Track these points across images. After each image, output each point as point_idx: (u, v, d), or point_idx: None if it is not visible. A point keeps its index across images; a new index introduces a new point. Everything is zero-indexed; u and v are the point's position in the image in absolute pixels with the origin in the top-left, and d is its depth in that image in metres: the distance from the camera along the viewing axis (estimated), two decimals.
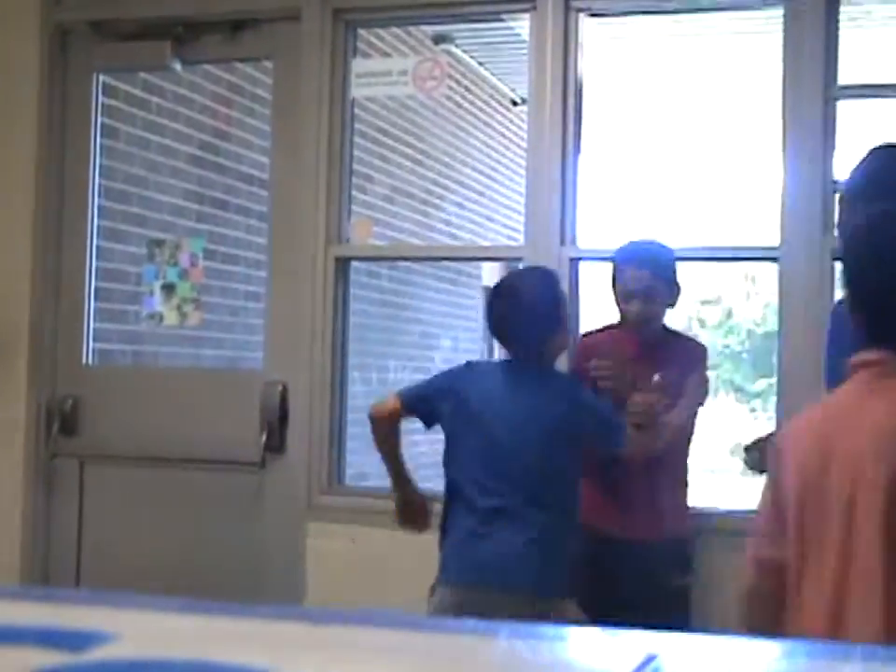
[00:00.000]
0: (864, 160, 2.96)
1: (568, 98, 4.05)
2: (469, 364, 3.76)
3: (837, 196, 2.96)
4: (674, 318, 3.98)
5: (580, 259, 4.08)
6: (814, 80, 3.80)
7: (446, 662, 0.98)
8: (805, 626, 2.24)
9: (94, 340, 4.60)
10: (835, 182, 3.80)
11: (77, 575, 4.39)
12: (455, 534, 3.43)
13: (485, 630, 1.04)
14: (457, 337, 9.32)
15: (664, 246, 3.74)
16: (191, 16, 4.39)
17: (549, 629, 1.13)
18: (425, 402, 3.54)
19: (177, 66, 4.49)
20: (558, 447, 3.38)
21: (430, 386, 3.62)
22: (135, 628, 1.03)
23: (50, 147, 4.52)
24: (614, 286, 3.69)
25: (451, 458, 3.50)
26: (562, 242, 4.02)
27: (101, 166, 4.62)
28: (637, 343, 3.65)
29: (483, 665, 0.97)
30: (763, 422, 21.97)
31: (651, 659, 0.95)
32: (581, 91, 4.11)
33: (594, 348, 3.73)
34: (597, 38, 6.13)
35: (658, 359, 3.55)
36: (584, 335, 3.94)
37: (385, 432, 3.58)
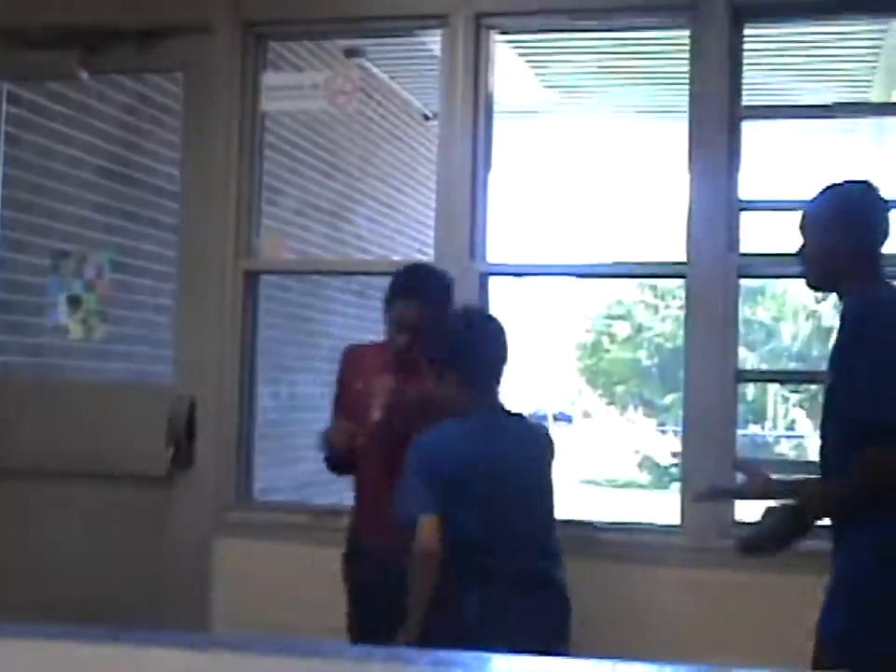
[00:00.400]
0: (826, 193, 3.07)
1: (479, 114, 4.07)
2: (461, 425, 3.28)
3: (799, 224, 3.10)
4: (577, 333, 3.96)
5: (489, 273, 4.10)
6: (720, 100, 3.86)
7: None
8: None
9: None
10: (740, 201, 3.88)
11: None
12: None
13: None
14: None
15: (437, 274, 3.66)
16: (101, 25, 4.33)
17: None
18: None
19: (85, 76, 4.43)
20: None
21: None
22: (7, 657, 1.01)
23: None
24: (387, 310, 3.61)
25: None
26: (472, 256, 4.04)
27: (3, 175, 4.54)
28: (398, 363, 3.58)
29: None
30: (670, 436, 22.25)
31: None
32: (491, 106, 4.13)
33: (358, 360, 3.72)
34: (506, 55, 6.17)
35: (411, 381, 3.50)
36: (352, 347, 3.90)
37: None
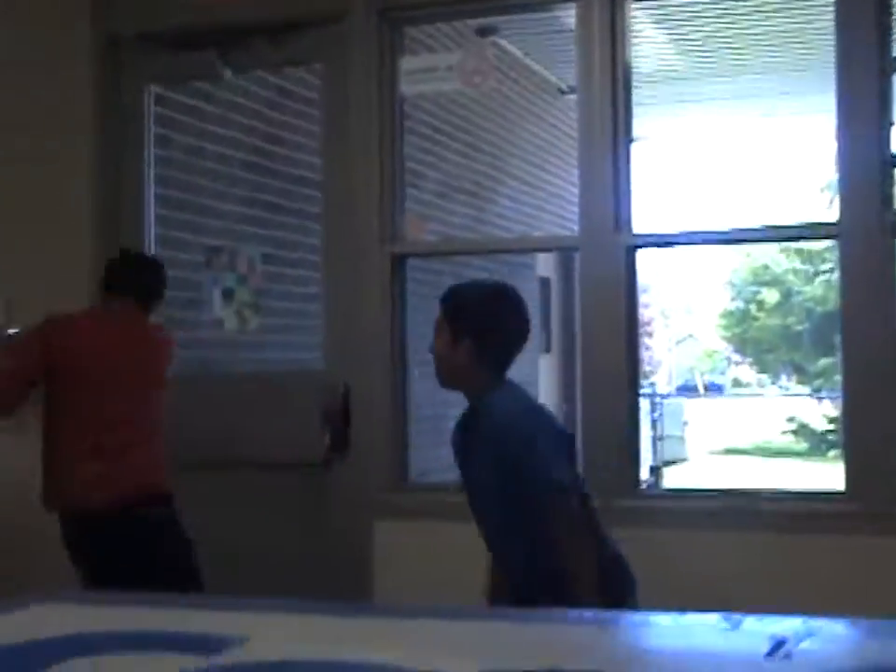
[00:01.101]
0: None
1: (617, 84, 4.03)
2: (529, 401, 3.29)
3: None
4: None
5: (636, 246, 4.06)
6: (868, 51, 3.75)
7: (579, 649, 0.99)
8: None
9: None
10: (893, 156, 3.76)
11: None
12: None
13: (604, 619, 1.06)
14: None
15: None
16: (239, 23, 4.41)
17: (661, 617, 1.15)
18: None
19: (227, 74, 4.52)
20: None
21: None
22: (262, 630, 1.06)
23: (105, 159, 4.57)
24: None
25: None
26: (616, 229, 4.01)
27: (156, 175, 4.66)
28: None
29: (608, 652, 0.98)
30: (825, 403, 21.75)
31: (780, 643, 0.96)
32: (629, 76, 4.09)
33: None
34: (641, 23, 6.09)
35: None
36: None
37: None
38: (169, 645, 1.00)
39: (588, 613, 1.17)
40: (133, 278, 3.97)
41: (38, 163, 4.56)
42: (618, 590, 3.03)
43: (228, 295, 4.50)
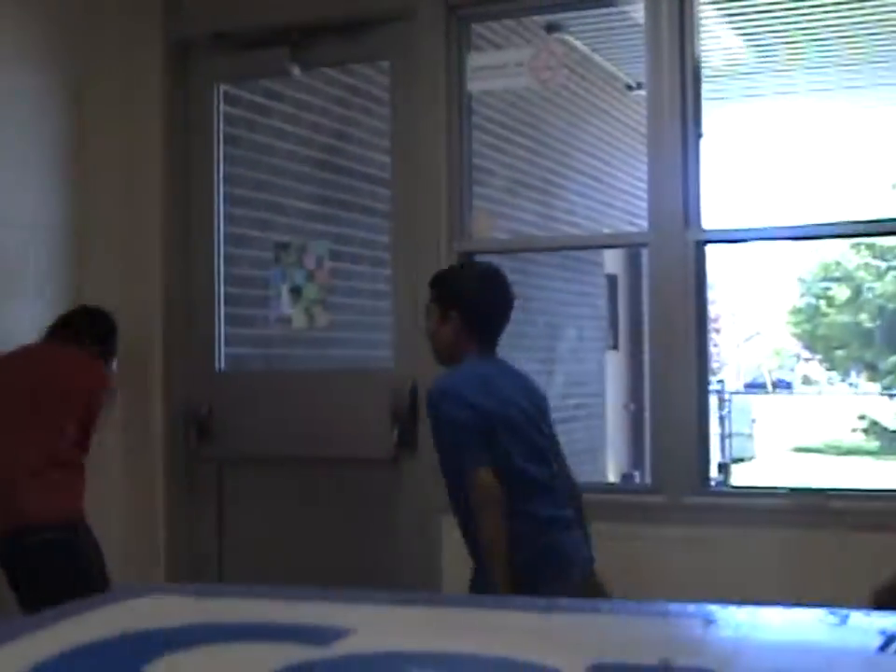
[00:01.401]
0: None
1: (686, 80, 4.01)
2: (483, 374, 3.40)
3: None
4: None
5: (705, 242, 4.03)
6: None
7: (685, 644, 1.00)
8: None
9: (226, 345, 4.69)
10: None
11: (219, 574, 4.49)
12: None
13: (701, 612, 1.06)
14: (582, 326, 9.28)
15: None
16: (308, 21, 4.44)
17: (766, 611, 1.15)
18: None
19: (296, 72, 4.56)
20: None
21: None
22: (367, 622, 1.07)
23: (175, 158, 4.63)
24: None
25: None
26: (686, 225, 3.98)
27: (225, 173, 4.71)
28: None
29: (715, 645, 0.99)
30: None
31: (892, 637, 0.95)
32: (698, 71, 4.06)
33: None
34: (710, 17, 6.04)
35: None
36: None
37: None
38: (275, 636, 1.02)
39: (692, 607, 1.16)
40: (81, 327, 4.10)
41: (109, 162, 4.63)
42: (541, 576, 3.16)
43: (296, 292, 4.53)
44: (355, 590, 1.24)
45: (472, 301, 3.36)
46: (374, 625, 1.07)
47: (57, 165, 4.52)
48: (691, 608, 1.16)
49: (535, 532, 3.24)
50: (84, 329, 4.08)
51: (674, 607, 1.17)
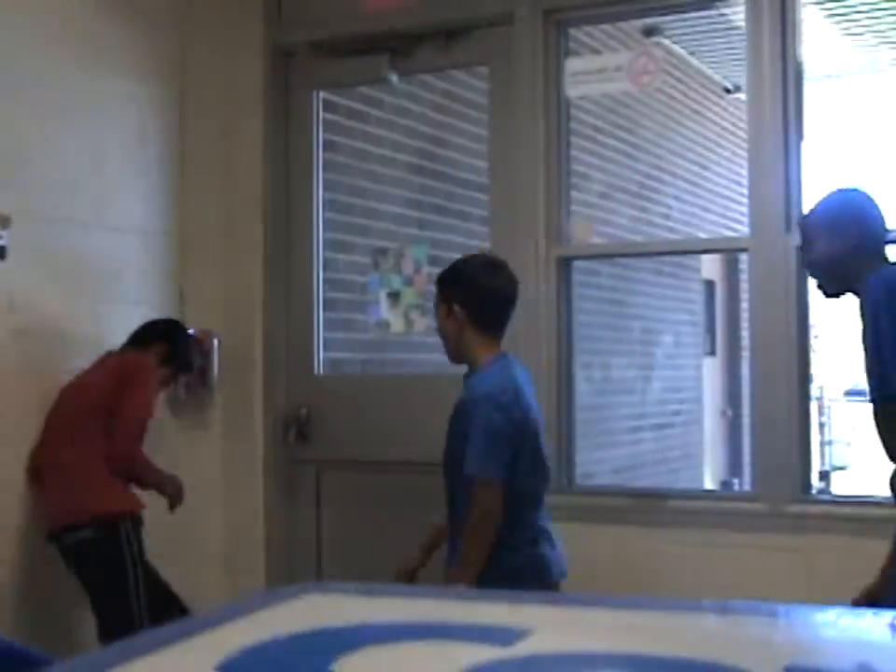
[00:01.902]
0: (821, 203, 3.25)
1: (788, 82, 3.95)
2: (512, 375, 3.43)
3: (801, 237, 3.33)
4: None
5: None
6: None
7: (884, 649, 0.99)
8: None
9: (324, 349, 4.74)
10: None
11: (317, 574, 4.53)
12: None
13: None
14: (679, 331, 9.20)
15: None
16: (407, 28, 4.47)
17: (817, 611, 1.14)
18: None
19: (394, 78, 4.59)
20: None
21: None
22: (543, 623, 1.08)
23: (275, 164, 4.69)
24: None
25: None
26: (788, 229, 3.93)
27: (324, 180, 4.76)
28: None
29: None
30: None
31: None
32: (800, 74, 4.00)
33: None
34: (813, 17, 5.95)
35: None
36: None
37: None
38: (457, 635, 1.03)
39: (881, 613, 1.15)
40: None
41: (211, 169, 4.71)
42: (525, 584, 3.13)
43: (394, 297, 4.56)
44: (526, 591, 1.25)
45: (475, 293, 3.37)
46: (552, 626, 1.07)
47: (161, 172, 4.61)
48: (879, 613, 1.15)
49: (524, 542, 3.33)
50: (140, 332, 4.16)
51: (861, 611, 1.16)
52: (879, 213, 3.22)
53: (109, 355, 4.08)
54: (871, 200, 3.23)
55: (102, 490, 3.88)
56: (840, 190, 3.30)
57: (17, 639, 2.91)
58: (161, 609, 3.81)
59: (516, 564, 3.28)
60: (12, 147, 3.98)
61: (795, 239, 3.92)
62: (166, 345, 4.14)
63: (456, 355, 3.46)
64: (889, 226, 3.23)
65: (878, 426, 3.05)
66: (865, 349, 3.00)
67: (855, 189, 3.28)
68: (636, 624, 1.10)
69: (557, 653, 0.99)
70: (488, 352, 3.38)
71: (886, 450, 3.07)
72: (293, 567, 4.62)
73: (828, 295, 3.27)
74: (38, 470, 3.95)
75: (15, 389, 3.91)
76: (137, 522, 3.89)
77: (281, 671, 0.94)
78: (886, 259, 3.20)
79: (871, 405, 3.04)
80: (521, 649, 0.99)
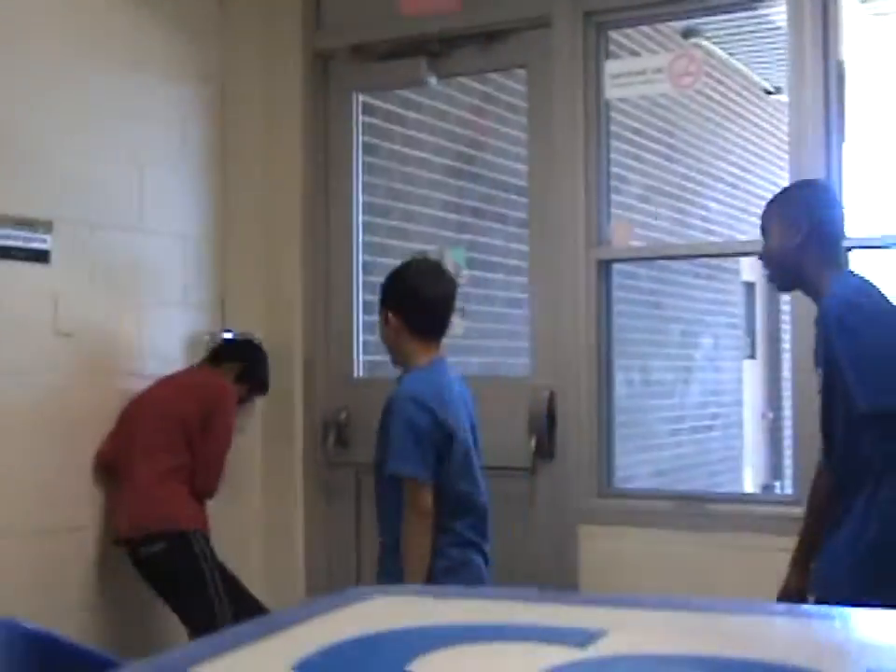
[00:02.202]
0: (776, 196, 3.32)
1: (830, 83, 3.92)
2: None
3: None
4: None
5: (849, 248, 3.93)
6: None
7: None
8: None
9: (363, 352, 4.74)
10: None
11: (357, 577, 4.53)
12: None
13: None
14: (718, 334, 9.15)
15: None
16: (446, 31, 4.47)
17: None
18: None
19: (433, 81, 4.59)
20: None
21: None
22: (618, 624, 1.07)
23: (315, 167, 4.70)
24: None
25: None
26: None
27: (363, 183, 4.77)
28: None
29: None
30: None
31: None
32: (842, 74, 3.97)
33: None
34: (857, 14, 5.90)
35: None
36: None
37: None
38: (532, 637, 1.03)
39: None
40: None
41: (250, 171, 4.73)
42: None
43: None
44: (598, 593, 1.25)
45: (409, 300, 3.45)
46: (626, 628, 1.07)
47: (202, 175, 4.63)
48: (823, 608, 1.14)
49: (454, 547, 3.40)
50: (220, 351, 4.26)
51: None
52: (836, 211, 3.25)
53: (189, 370, 4.16)
54: (830, 195, 3.28)
55: (177, 507, 3.98)
56: (799, 182, 3.36)
57: (94, 642, 2.97)
58: (242, 612, 3.85)
59: (438, 567, 3.34)
60: (56, 151, 4.02)
61: None
62: (242, 364, 4.22)
63: (396, 359, 3.56)
64: (846, 227, 3.29)
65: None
66: (823, 364, 3.03)
67: (814, 183, 3.33)
68: (709, 626, 1.09)
69: (633, 654, 0.98)
70: (424, 356, 3.47)
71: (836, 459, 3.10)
72: (332, 570, 4.62)
73: (780, 289, 3.36)
74: (109, 472, 4.02)
75: (62, 391, 3.95)
76: (206, 536, 3.98)
77: (358, 671, 0.94)
78: (841, 263, 3.23)
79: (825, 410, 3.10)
80: (597, 650, 0.98)
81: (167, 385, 4.14)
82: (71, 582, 4.00)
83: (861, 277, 3.16)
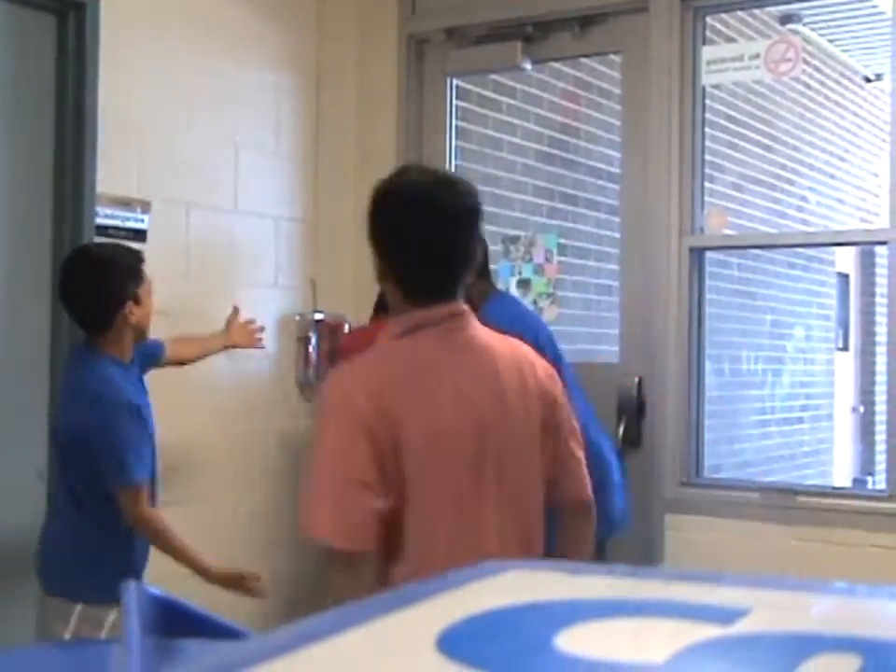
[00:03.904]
0: None
1: None
2: None
3: None
4: None
5: None
6: None
7: None
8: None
9: None
10: None
11: None
12: None
13: None
14: (810, 325, 9.03)
15: None
16: (541, 15, 4.46)
17: None
18: None
19: (527, 66, 4.58)
20: None
21: None
22: (762, 603, 1.08)
23: (408, 152, 4.72)
24: None
25: None
26: None
27: (456, 167, 4.77)
28: None
29: None
30: None
31: None
32: None
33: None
34: None
35: None
36: None
37: None
38: (675, 613, 1.04)
39: None
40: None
41: (344, 155, 4.76)
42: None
43: (524, 285, 4.56)
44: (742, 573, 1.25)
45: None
46: (770, 607, 1.07)
47: (297, 160, 4.68)
48: None
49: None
50: None
51: None
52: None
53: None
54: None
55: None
56: None
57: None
58: None
59: None
60: (155, 134, 4.09)
61: None
62: None
63: None
64: None
65: None
66: None
67: None
68: (854, 608, 1.09)
69: (780, 632, 0.98)
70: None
71: None
72: None
73: None
74: None
75: (160, 372, 4.01)
76: None
77: (505, 642, 0.95)
78: None
79: None
80: (743, 627, 0.99)
81: None
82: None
83: None
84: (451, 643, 0.93)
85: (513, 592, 1.13)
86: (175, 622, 1.28)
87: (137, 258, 3.36)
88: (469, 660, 0.88)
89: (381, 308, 3.87)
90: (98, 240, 3.80)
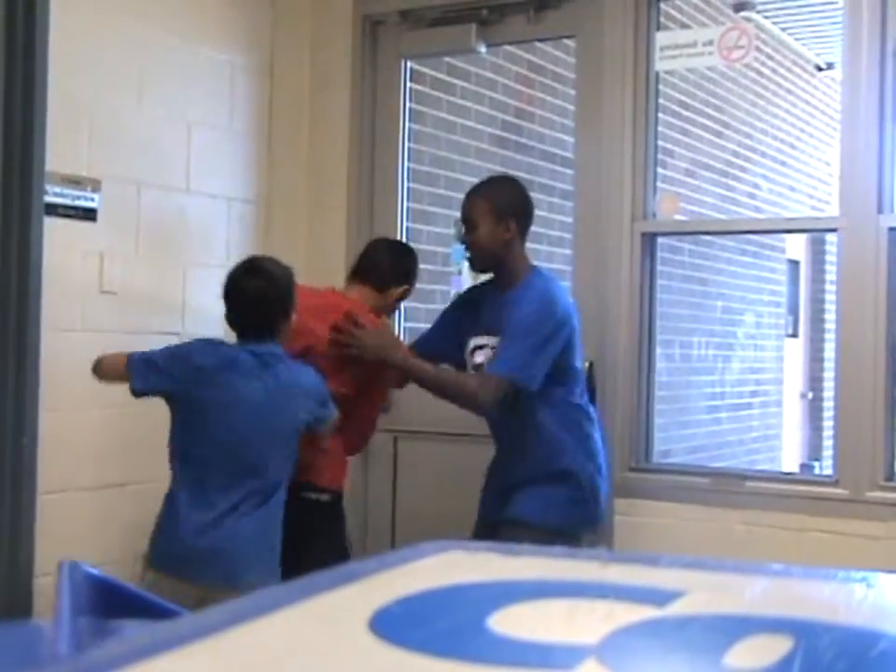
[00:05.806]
0: (491, 184, 3.89)
1: (886, 63, 3.87)
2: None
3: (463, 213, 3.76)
4: None
5: None
6: None
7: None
8: None
9: (405, 320, 4.75)
10: None
11: (392, 541, 4.56)
12: None
13: None
14: (761, 312, 9.10)
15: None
16: None
17: None
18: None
19: (482, 49, 4.57)
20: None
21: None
22: (696, 586, 1.08)
23: (362, 133, 4.70)
24: None
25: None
26: (880, 210, 3.86)
27: (409, 150, 4.76)
28: None
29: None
30: None
31: None
32: None
33: None
34: None
35: None
36: None
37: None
38: (608, 594, 1.04)
39: None
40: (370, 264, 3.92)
41: (296, 136, 4.73)
42: None
43: None
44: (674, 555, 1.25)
45: (225, 294, 3.58)
46: (704, 589, 1.08)
47: (249, 140, 4.65)
48: None
49: None
50: None
51: None
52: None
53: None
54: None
55: (340, 466, 3.91)
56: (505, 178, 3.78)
57: None
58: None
59: None
60: (106, 113, 4.04)
61: (888, 220, 3.85)
62: None
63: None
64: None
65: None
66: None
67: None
68: (788, 590, 1.10)
69: (713, 614, 0.99)
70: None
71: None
72: (368, 532, 4.65)
73: (475, 269, 3.80)
74: None
75: (106, 349, 3.97)
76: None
77: (437, 622, 0.95)
78: None
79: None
80: (676, 609, 0.99)
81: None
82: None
83: None
84: (384, 623, 0.92)
85: (449, 572, 1.13)
86: (111, 602, 1.27)
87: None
88: (400, 641, 0.88)
89: (357, 273, 3.91)
90: (47, 220, 3.75)
